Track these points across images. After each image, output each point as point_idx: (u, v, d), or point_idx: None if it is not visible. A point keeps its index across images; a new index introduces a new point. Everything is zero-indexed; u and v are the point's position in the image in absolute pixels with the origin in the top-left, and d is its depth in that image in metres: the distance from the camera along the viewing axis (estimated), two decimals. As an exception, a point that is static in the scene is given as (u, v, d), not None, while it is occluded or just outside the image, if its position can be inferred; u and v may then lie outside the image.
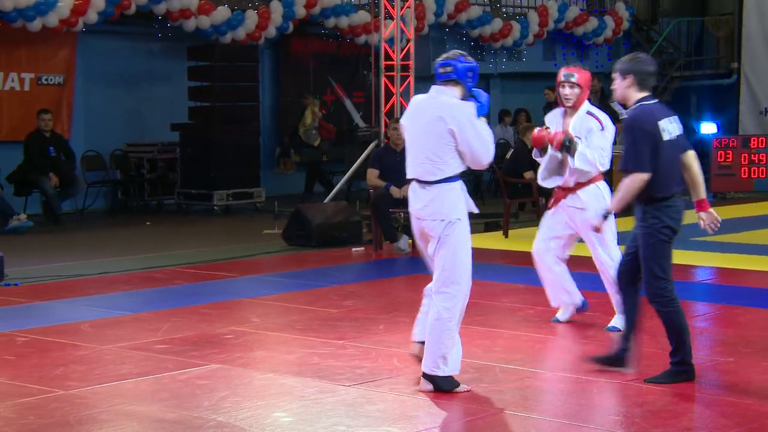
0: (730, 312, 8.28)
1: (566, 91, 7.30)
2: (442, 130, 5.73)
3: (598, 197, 7.33)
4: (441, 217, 5.78)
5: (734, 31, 20.53)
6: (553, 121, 7.50)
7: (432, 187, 5.81)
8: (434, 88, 5.92)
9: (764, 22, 19.91)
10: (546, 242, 7.62)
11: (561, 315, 7.68)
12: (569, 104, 7.34)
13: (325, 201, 13.58)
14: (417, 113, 5.92)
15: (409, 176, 5.97)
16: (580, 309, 7.69)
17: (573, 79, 7.30)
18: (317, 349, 6.90)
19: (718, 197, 16.44)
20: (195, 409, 5.56)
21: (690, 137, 19.91)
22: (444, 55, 5.99)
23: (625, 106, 6.16)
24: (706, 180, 18.52)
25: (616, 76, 6.07)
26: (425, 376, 5.83)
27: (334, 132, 16.97)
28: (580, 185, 7.35)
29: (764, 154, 16.44)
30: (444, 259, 5.81)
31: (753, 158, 16.51)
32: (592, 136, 7.27)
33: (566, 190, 7.42)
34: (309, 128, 16.65)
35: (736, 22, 20.49)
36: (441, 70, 5.90)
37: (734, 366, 6.49)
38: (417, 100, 6.04)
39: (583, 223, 7.25)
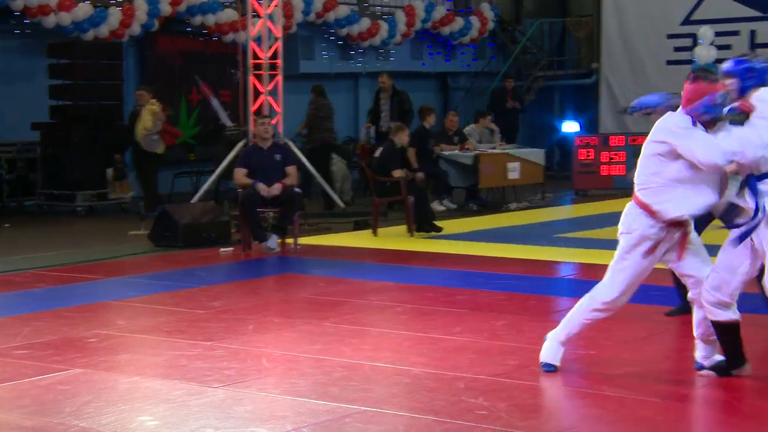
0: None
1: None
2: None
3: None
4: None
5: (594, 32, 21.09)
6: None
7: None
8: None
9: (622, 24, 20.51)
10: None
11: None
12: None
13: (192, 201, 13.41)
14: None
15: None
16: None
17: None
18: (185, 351, 6.80)
19: (579, 194, 16.86)
20: (56, 415, 5.41)
21: (553, 136, 20.55)
22: None
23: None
24: (569, 178, 19.08)
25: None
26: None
27: (179, 137, 15.58)
28: None
29: (623, 152, 16.93)
30: None
31: (613, 156, 16.98)
32: None
33: None
34: (150, 132, 14.52)
35: (595, 23, 21.05)
36: None
37: (596, 359, 6.65)
38: None
39: None
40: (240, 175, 11.49)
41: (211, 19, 16.70)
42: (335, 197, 14.95)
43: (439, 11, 19.90)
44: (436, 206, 14.49)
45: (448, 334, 7.31)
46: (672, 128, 5.75)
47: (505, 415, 5.41)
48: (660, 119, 5.87)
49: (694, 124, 5.73)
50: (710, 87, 5.73)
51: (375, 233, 12.48)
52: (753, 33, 19.26)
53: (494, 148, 15.95)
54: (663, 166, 5.75)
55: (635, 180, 5.92)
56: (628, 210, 5.99)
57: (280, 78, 13.23)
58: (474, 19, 20.46)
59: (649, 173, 5.82)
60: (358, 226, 13.09)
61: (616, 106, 20.55)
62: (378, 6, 19.43)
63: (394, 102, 16.01)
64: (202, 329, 7.48)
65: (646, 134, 19.04)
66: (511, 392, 5.82)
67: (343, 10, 18.39)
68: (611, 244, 11.28)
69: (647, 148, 5.86)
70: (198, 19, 16.62)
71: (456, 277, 9.65)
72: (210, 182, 14.02)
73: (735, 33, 19.21)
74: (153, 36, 16.85)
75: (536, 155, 16.24)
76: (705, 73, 5.87)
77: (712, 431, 5.32)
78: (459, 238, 12.24)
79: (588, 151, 17.09)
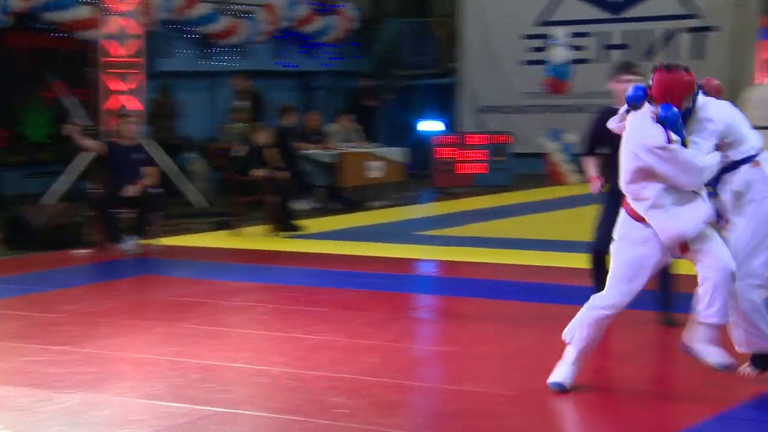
0: (452, 303, 8.58)
1: None
2: None
3: None
4: None
5: (454, 33, 21.37)
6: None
7: None
8: None
9: (481, 25, 20.84)
10: None
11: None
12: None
13: (46, 201, 13.03)
14: None
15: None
16: None
17: None
18: (37, 357, 6.59)
19: (439, 192, 17.06)
20: None
21: (415, 134, 20.70)
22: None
23: None
24: (429, 176, 19.25)
25: None
26: None
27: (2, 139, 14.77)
28: None
29: (481, 151, 17.21)
30: None
31: (471, 155, 17.25)
32: None
33: None
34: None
35: (455, 23, 21.33)
36: None
37: (455, 355, 6.73)
38: None
39: None
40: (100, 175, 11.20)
41: (66, 16, 16.24)
42: (195, 196, 14.74)
43: (301, 10, 19.84)
44: (299, 205, 14.44)
45: (309, 333, 7.28)
46: (650, 147, 5.40)
47: (366, 413, 5.42)
48: (635, 122, 5.54)
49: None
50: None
51: (237, 233, 12.36)
52: (605, 34, 19.82)
53: (356, 146, 16.00)
54: (650, 179, 5.45)
55: (623, 186, 5.61)
56: (624, 219, 5.67)
57: (141, 76, 12.97)
58: (336, 19, 20.47)
59: (638, 186, 5.50)
60: (220, 227, 12.94)
61: (475, 106, 20.88)
62: (238, 4, 19.24)
63: (250, 102, 15.92)
64: (55, 334, 7.26)
65: (503, 133, 19.36)
66: (372, 390, 5.83)
67: (202, 9, 18.15)
68: (471, 242, 11.56)
69: (628, 154, 5.53)
70: (52, 16, 16.15)
71: (318, 276, 9.63)
72: (64, 183, 13.63)
73: (588, 34, 19.75)
74: (4, 32, 16.29)
75: (397, 154, 16.37)
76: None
77: (567, 423, 5.43)
78: (321, 237, 12.23)
79: (447, 150, 17.31)
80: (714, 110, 5.58)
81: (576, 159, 17.96)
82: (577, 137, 18.04)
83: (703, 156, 5.45)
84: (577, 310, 7.87)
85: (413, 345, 7.22)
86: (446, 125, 20.56)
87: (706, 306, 5.46)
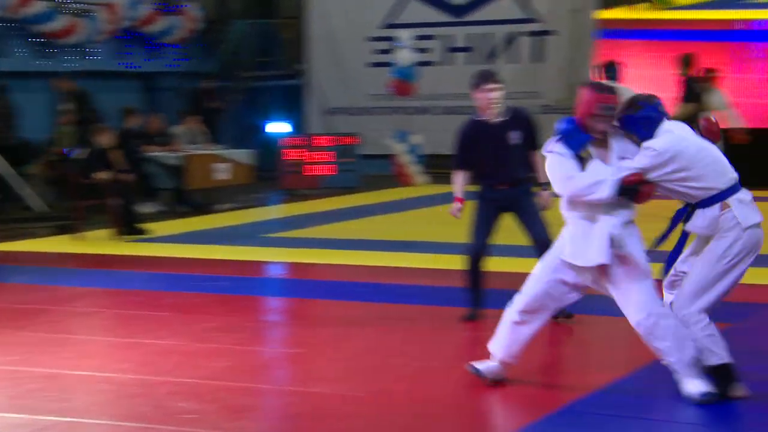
0: (300, 305, 8.58)
1: None
2: None
3: None
4: None
5: (300, 34, 21.35)
6: None
7: None
8: None
9: (327, 26, 20.88)
10: None
11: None
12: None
13: None
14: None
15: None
16: None
17: None
18: None
19: (287, 194, 17.01)
20: None
21: (262, 136, 20.58)
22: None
23: None
24: (277, 178, 19.14)
25: None
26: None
27: None
28: None
29: (329, 153, 17.26)
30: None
31: (319, 156, 17.27)
32: None
33: None
34: None
35: (301, 25, 21.32)
36: None
37: (303, 357, 6.73)
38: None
39: None
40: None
41: None
42: (34, 200, 14.30)
43: (143, 10, 19.48)
44: (143, 208, 14.17)
45: (154, 338, 7.16)
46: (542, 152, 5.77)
47: (213, 418, 5.36)
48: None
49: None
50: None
51: (79, 237, 12.04)
52: (448, 37, 20.15)
53: (202, 148, 15.81)
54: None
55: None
56: None
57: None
58: (180, 19, 20.17)
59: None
60: (61, 231, 12.59)
61: (323, 107, 20.91)
62: (77, 3, 18.74)
63: (75, 103, 15.54)
64: None
65: (351, 135, 19.41)
66: (219, 394, 5.77)
67: (38, 6, 17.61)
68: (319, 243, 11.57)
69: None
70: None
71: (163, 280, 9.48)
72: None
73: (432, 37, 20.03)
74: None
75: (245, 156, 16.25)
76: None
77: (417, 421, 5.48)
78: (167, 240, 12.04)
79: (295, 152, 17.29)
80: (663, 140, 5.42)
81: (422, 160, 18.22)
82: (423, 138, 18.36)
83: (592, 173, 5.43)
84: (422, 310, 8.00)
85: (261, 348, 7.18)
86: (294, 127, 20.52)
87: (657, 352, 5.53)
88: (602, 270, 5.53)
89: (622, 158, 5.49)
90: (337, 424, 5.30)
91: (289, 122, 20.57)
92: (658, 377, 5.77)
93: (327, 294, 8.82)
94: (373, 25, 20.53)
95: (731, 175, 5.48)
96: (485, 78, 7.31)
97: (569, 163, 5.51)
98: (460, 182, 7.51)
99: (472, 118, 7.49)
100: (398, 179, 18.06)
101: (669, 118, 5.60)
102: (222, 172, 15.55)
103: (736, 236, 5.40)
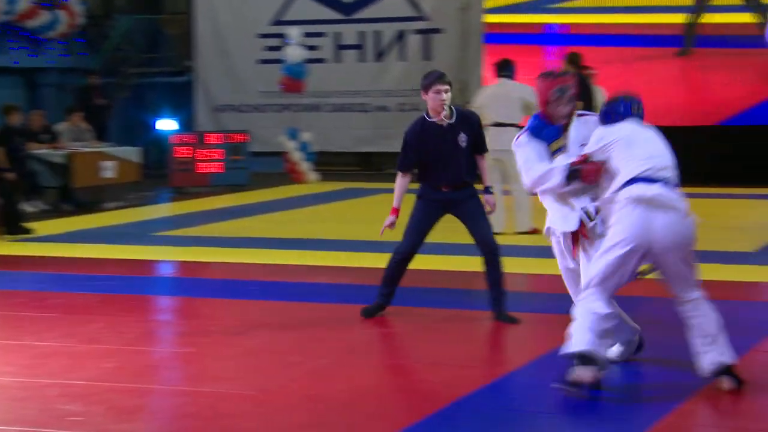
0: (190, 303, 8.47)
1: None
2: None
3: None
4: None
5: (187, 31, 21.09)
6: None
7: None
8: None
9: (214, 23, 20.67)
10: None
11: None
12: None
13: None
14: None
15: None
16: None
17: None
18: None
19: (177, 192, 16.80)
20: None
21: (150, 134, 20.29)
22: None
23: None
24: (166, 176, 18.91)
25: None
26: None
27: None
28: None
29: (219, 150, 17.09)
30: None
31: (209, 154, 17.09)
32: None
33: None
34: None
35: (188, 21, 21.05)
36: None
37: (194, 357, 6.64)
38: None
39: None
40: None
41: None
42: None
43: (23, 4, 18.96)
44: (27, 207, 13.82)
45: (40, 339, 6.98)
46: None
47: (101, 420, 5.25)
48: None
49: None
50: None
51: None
52: (338, 35, 20.15)
53: (88, 146, 15.49)
54: None
55: None
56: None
57: None
58: (62, 14, 19.70)
59: None
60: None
61: (212, 104, 20.70)
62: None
63: None
64: None
65: (241, 132, 19.28)
66: (108, 395, 5.66)
67: None
68: (209, 242, 11.44)
69: None
70: None
71: (49, 281, 9.25)
72: None
73: (322, 34, 20.01)
74: None
75: (132, 153, 15.98)
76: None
77: (308, 424, 5.46)
78: (52, 239, 11.75)
79: (184, 149, 17.07)
80: (609, 128, 5.73)
81: (313, 157, 18.18)
82: (313, 136, 18.32)
83: (545, 164, 5.83)
84: (317, 307, 8.00)
85: (151, 348, 7.06)
86: (184, 124, 20.27)
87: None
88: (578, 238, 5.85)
89: (583, 145, 5.81)
90: (229, 424, 5.24)
91: (177, 120, 20.31)
92: (545, 371, 5.87)
93: (219, 293, 8.73)
94: (262, 22, 20.41)
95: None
96: (436, 79, 7.19)
97: (531, 154, 5.83)
98: (400, 189, 7.39)
99: (421, 118, 7.36)
100: (290, 177, 18.00)
101: (635, 116, 5.79)
102: (108, 170, 15.26)
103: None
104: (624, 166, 5.62)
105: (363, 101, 19.82)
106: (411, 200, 7.45)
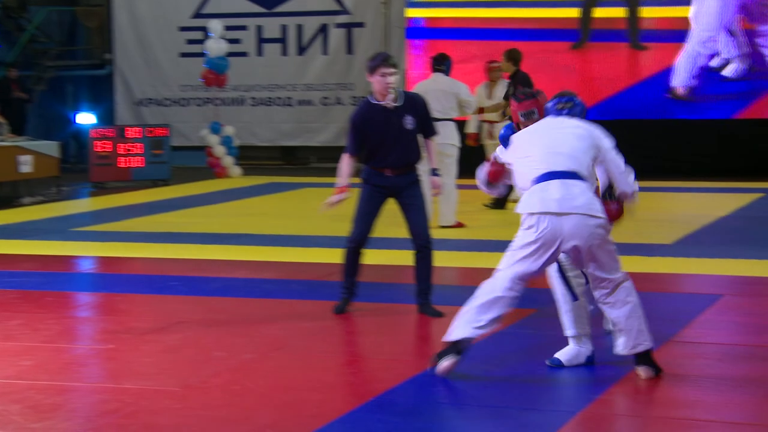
0: (111, 300, 8.35)
1: None
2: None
3: None
4: None
5: (105, 23, 20.77)
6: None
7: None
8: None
9: (133, 15, 20.40)
10: None
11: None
12: None
13: None
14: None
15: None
16: None
17: None
18: None
19: (97, 187, 16.55)
20: None
21: (68, 127, 19.94)
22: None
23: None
24: (85, 170, 18.62)
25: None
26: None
27: None
28: None
29: (139, 144, 16.87)
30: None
31: (129, 148, 16.86)
32: None
33: None
34: None
35: (106, 13, 20.73)
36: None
37: (116, 353, 6.55)
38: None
39: None
40: None
41: None
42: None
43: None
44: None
45: (-46, 338, 6.82)
46: None
47: (19, 418, 5.15)
48: None
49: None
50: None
51: None
52: (260, 28, 20.03)
53: (4, 140, 15.17)
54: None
55: None
56: None
57: None
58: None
59: None
60: None
61: (132, 98, 20.43)
62: None
63: None
64: None
65: (162, 126, 19.09)
66: (25, 394, 5.55)
67: None
68: (130, 237, 11.28)
69: None
70: None
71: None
72: None
73: (243, 27, 19.87)
74: None
75: (50, 147, 15.69)
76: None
77: (229, 419, 5.42)
78: (-33, 236, 11.50)
79: (104, 143, 16.81)
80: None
81: (235, 152, 18.04)
82: (235, 130, 18.18)
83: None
84: (242, 302, 7.95)
85: (70, 345, 6.95)
86: (103, 118, 19.96)
87: None
88: None
89: None
90: (150, 420, 5.18)
91: (96, 113, 20.01)
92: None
93: (141, 288, 8.62)
94: (183, 15, 20.21)
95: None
96: (382, 61, 7.15)
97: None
98: (346, 169, 7.32)
99: (367, 101, 7.32)
100: (212, 171, 17.84)
101: (559, 114, 5.96)
102: (26, 165, 14.97)
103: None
104: (525, 167, 5.83)
105: (286, 95, 19.73)
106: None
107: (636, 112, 17.58)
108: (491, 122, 13.14)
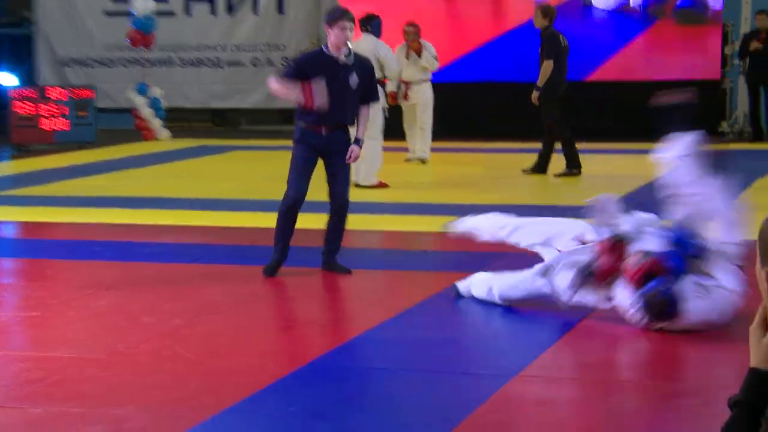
0: (35, 266, 8.12)
1: None
2: None
3: None
4: None
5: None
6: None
7: None
8: None
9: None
10: None
11: None
12: None
13: None
14: None
15: None
16: None
17: None
18: None
19: (19, 150, 16.13)
20: None
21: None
22: None
23: None
24: (6, 132, 18.12)
25: None
26: None
27: None
28: None
29: (63, 106, 16.46)
30: None
31: (53, 109, 16.44)
32: None
33: None
34: None
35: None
36: None
37: (40, 320, 6.37)
38: None
39: None
40: None
41: None
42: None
43: None
44: None
45: None
46: None
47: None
48: None
49: None
50: None
51: None
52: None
53: None
54: None
55: None
56: None
57: None
58: None
59: None
60: None
61: (54, 58, 19.93)
62: None
63: None
64: None
65: (86, 87, 18.66)
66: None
67: None
68: (54, 201, 11.01)
69: None
70: None
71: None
72: None
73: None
74: None
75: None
76: None
77: (156, 385, 5.29)
78: None
79: (26, 105, 16.37)
80: None
81: (163, 114, 17.70)
82: (163, 91, 17.83)
83: None
84: (171, 268, 7.80)
85: (-7, 312, 6.74)
86: (24, 78, 19.45)
87: None
88: None
89: None
90: (76, 388, 5.04)
91: (17, 74, 19.48)
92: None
93: (66, 254, 8.39)
94: (108, -27, 19.71)
95: None
96: (342, 14, 7.16)
97: None
98: (286, 83, 7.15)
99: (320, 50, 7.26)
100: (140, 134, 17.50)
101: None
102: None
103: None
104: None
105: (215, 56, 19.40)
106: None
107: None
108: (408, 83, 13.15)
